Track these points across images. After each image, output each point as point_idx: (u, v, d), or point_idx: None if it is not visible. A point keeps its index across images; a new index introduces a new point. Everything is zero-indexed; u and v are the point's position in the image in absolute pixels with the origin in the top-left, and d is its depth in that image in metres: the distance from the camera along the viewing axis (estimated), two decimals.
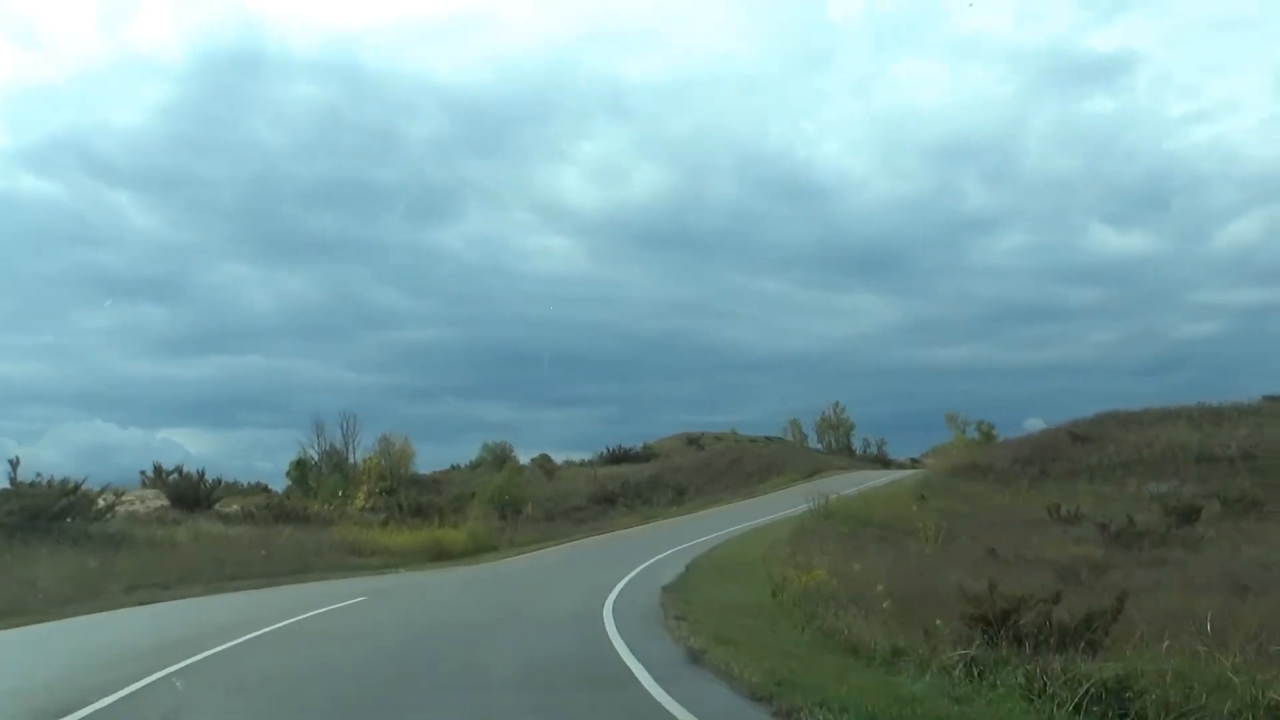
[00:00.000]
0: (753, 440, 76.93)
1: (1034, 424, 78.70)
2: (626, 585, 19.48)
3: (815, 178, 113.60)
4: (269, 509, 38.50)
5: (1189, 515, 37.50)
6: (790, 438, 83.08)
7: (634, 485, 66.40)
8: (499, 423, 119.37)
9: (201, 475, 41.22)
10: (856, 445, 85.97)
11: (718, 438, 76.31)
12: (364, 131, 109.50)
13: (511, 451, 78.33)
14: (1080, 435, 57.38)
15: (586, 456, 76.92)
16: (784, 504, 44.57)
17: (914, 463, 76.55)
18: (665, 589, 18.37)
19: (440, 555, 30.00)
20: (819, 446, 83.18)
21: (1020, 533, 37.60)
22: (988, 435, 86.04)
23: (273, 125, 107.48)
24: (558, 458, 75.36)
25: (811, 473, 62.25)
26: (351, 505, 50.17)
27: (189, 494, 39.22)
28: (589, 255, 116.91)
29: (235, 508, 40.12)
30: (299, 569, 26.42)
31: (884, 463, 75.93)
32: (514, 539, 35.77)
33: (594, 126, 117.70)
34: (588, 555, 30.11)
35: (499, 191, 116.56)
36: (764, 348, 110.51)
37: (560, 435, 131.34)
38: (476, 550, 31.92)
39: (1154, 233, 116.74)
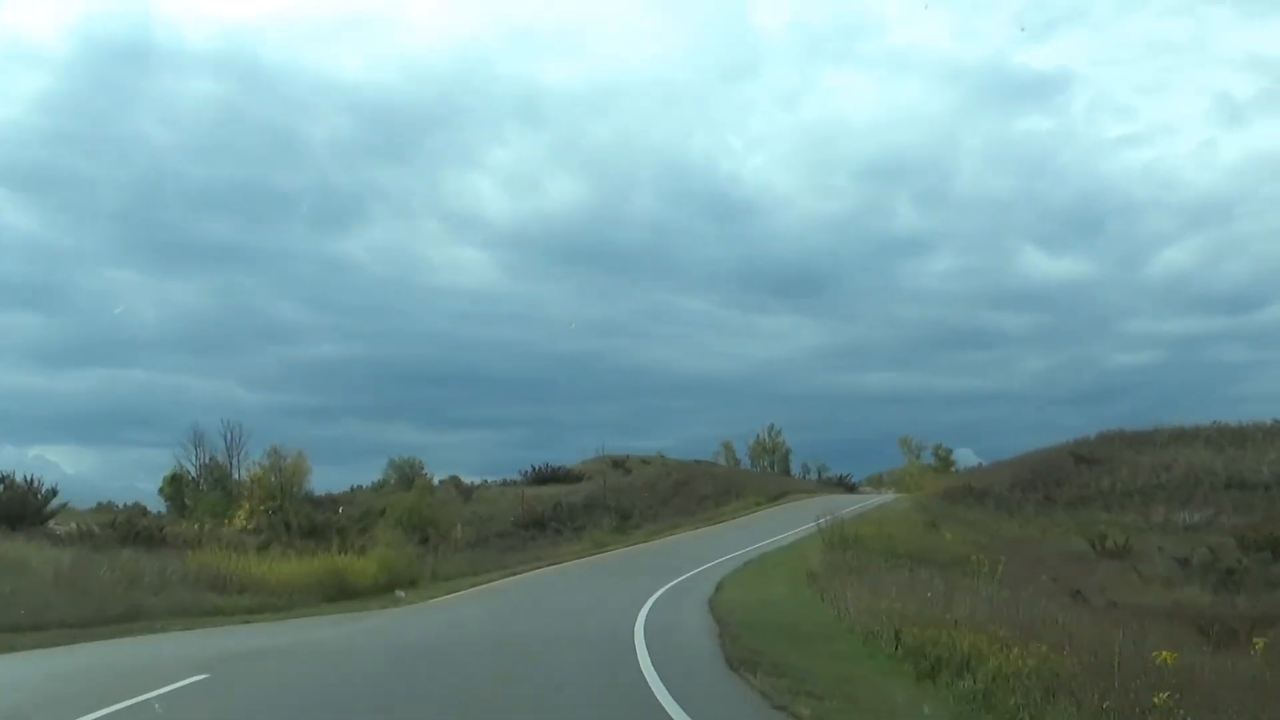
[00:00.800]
0: (683, 463, 68.85)
1: (964, 454, 75.58)
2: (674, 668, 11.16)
3: (740, 193, 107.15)
4: (114, 527, 29.51)
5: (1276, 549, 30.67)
6: (724, 462, 76.27)
7: (567, 508, 58.09)
8: (405, 445, 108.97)
9: (31, 484, 32.20)
10: (795, 470, 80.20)
11: (645, 461, 68.46)
12: (263, 132, 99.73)
13: (422, 469, 69.89)
14: (1085, 456, 50.67)
15: (506, 478, 68.31)
16: (764, 531, 36.99)
17: (875, 488, 69.59)
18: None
19: (342, 592, 21.40)
20: (754, 471, 75.82)
21: (1073, 569, 30.52)
22: (945, 460, 79.92)
23: (164, 122, 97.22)
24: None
25: (776, 496, 54.70)
26: (229, 525, 41.41)
27: (13, 508, 30.42)
28: (502, 269, 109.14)
29: (73, 525, 31.04)
30: (126, 614, 17.70)
31: (848, 487, 68.60)
32: (437, 570, 27.18)
33: (508, 133, 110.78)
34: (561, 597, 21.72)
35: (407, 200, 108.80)
36: (686, 370, 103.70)
37: (471, 459, 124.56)
38: (391, 583, 23.32)
39: (1087, 258, 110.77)
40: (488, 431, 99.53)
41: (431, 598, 21.68)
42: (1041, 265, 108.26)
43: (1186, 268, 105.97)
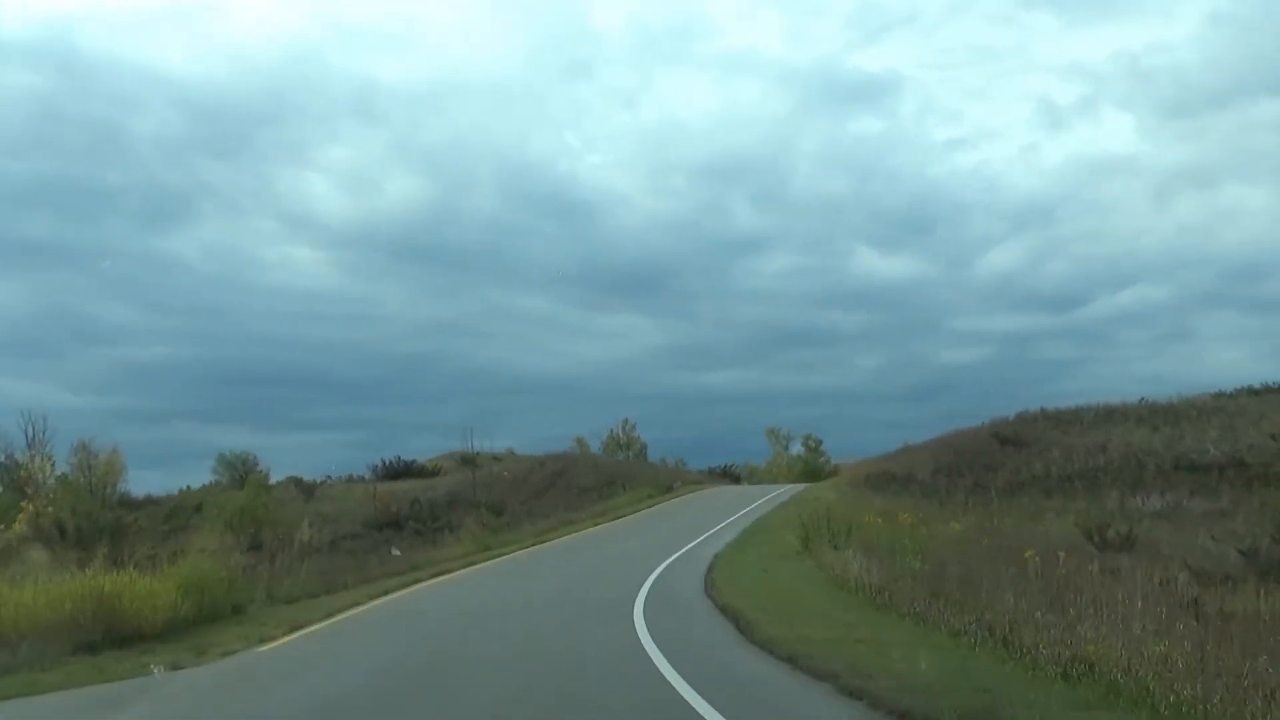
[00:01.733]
0: (557, 455, 61.67)
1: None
2: None
3: (579, 193, 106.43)
4: None
5: None
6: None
7: (427, 505, 50.37)
8: (240, 448, 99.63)
9: None
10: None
11: (496, 457, 61.22)
12: (85, 126, 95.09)
13: (257, 465, 61.26)
14: (1009, 438, 45.78)
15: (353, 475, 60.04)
16: (688, 525, 30.30)
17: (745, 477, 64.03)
18: None
19: (112, 634, 13.36)
20: (637, 461, 69.76)
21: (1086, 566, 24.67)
22: (815, 451, 78.07)
23: None
24: None
25: (668, 487, 48.10)
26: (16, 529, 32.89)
27: None
28: (339, 269, 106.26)
29: None
30: None
31: (733, 478, 62.72)
32: (275, 587, 19.29)
33: (343, 130, 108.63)
34: (494, 644, 13.92)
35: (238, 197, 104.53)
36: (528, 369, 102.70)
37: (311, 462, 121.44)
38: (202, 615, 15.43)
39: (918, 258, 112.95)
40: (328, 434, 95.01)
41: (264, 640, 13.86)
42: (875, 265, 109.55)
43: (1012, 268, 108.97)
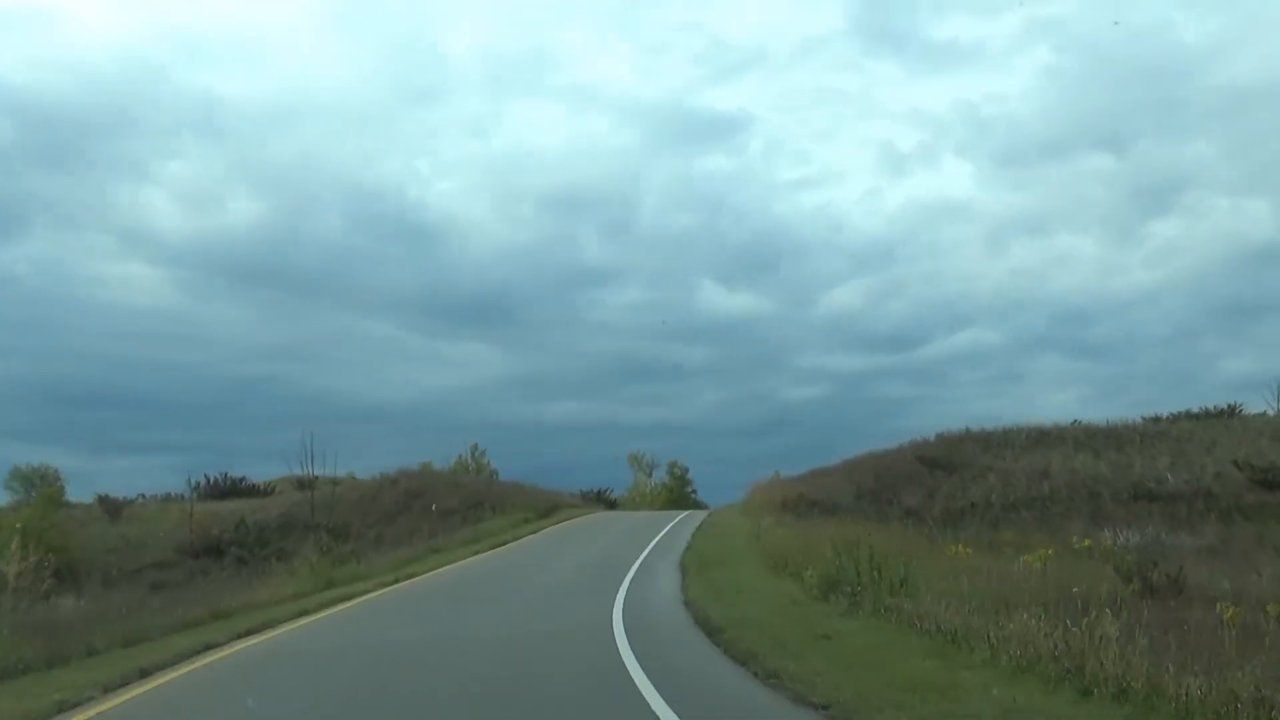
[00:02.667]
0: (413, 471, 53.85)
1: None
2: None
3: (427, 219, 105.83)
4: None
5: None
6: None
7: (255, 528, 42.31)
8: (61, 472, 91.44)
9: None
10: None
11: (334, 481, 53.34)
12: None
13: (58, 479, 52.50)
14: (935, 461, 40.51)
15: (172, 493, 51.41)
16: (595, 558, 23.52)
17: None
18: None
19: None
20: (507, 483, 62.98)
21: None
22: (681, 479, 74.99)
23: None
24: None
25: (547, 511, 41.09)
26: None
27: None
28: (177, 288, 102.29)
29: None
30: None
31: (608, 504, 56.14)
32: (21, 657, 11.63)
33: (183, 145, 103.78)
34: None
35: (73, 211, 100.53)
36: (371, 395, 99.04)
37: (137, 487, 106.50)
38: None
39: (763, 294, 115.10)
40: (159, 457, 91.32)
41: None
42: (720, 300, 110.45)
43: (853, 307, 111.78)
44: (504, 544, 29.88)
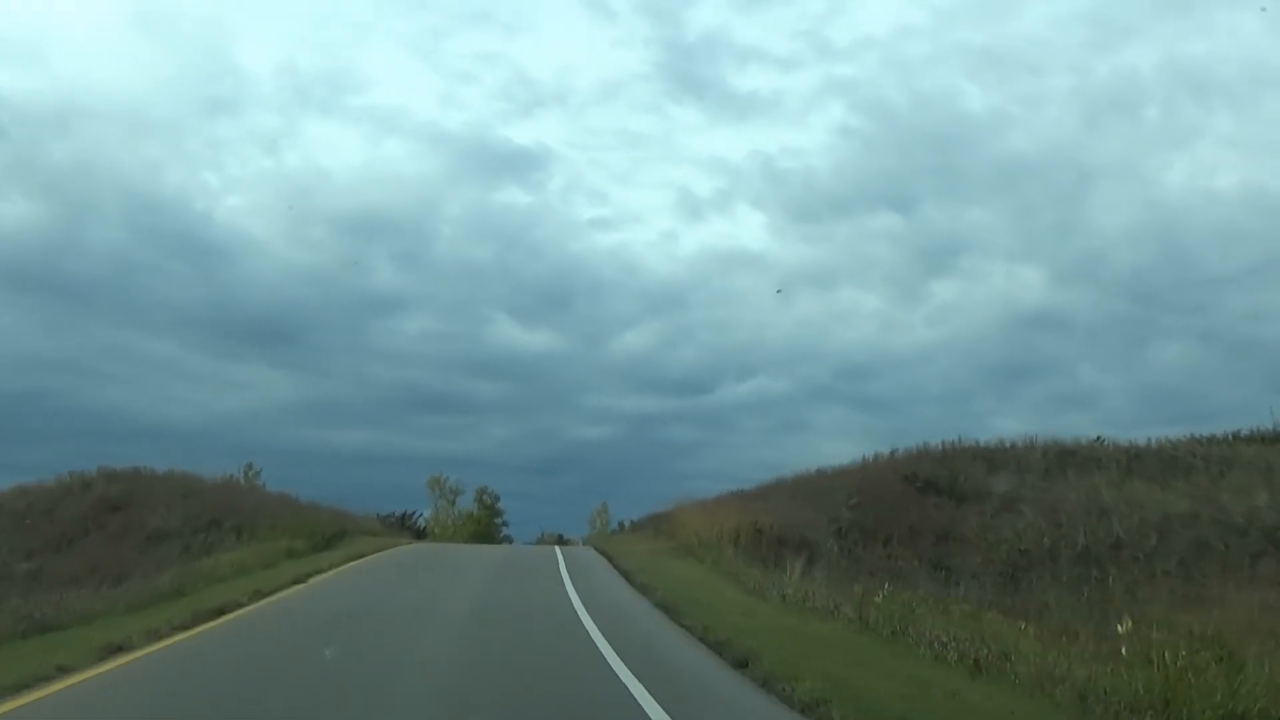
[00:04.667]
0: (113, 472, 36.69)
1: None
2: None
3: (214, 235, 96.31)
4: None
5: None
6: None
7: None
8: None
9: None
10: None
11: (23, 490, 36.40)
12: None
13: None
14: (933, 483, 27.28)
15: None
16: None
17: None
18: None
19: None
20: (260, 489, 48.72)
21: None
22: (490, 508, 65.69)
23: None
24: None
25: (332, 537, 25.53)
26: None
27: None
28: None
29: None
30: None
31: (416, 533, 40.90)
32: None
33: None
34: None
35: None
36: (144, 414, 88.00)
37: None
38: None
39: (556, 332, 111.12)
40: None
41: None
42: (514, 335, 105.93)
43: (644, 350, 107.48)
44: (253, 603, 14.26)
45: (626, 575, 18.39)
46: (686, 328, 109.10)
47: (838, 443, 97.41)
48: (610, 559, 22.28)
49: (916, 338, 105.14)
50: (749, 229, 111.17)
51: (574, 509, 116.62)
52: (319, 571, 18.51)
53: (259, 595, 15.13)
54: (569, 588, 16.70)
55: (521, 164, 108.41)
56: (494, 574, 19.01)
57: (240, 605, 14.13)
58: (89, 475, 31.21)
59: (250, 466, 49.52)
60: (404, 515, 43.91)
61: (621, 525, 42.95)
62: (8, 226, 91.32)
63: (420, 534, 42.31)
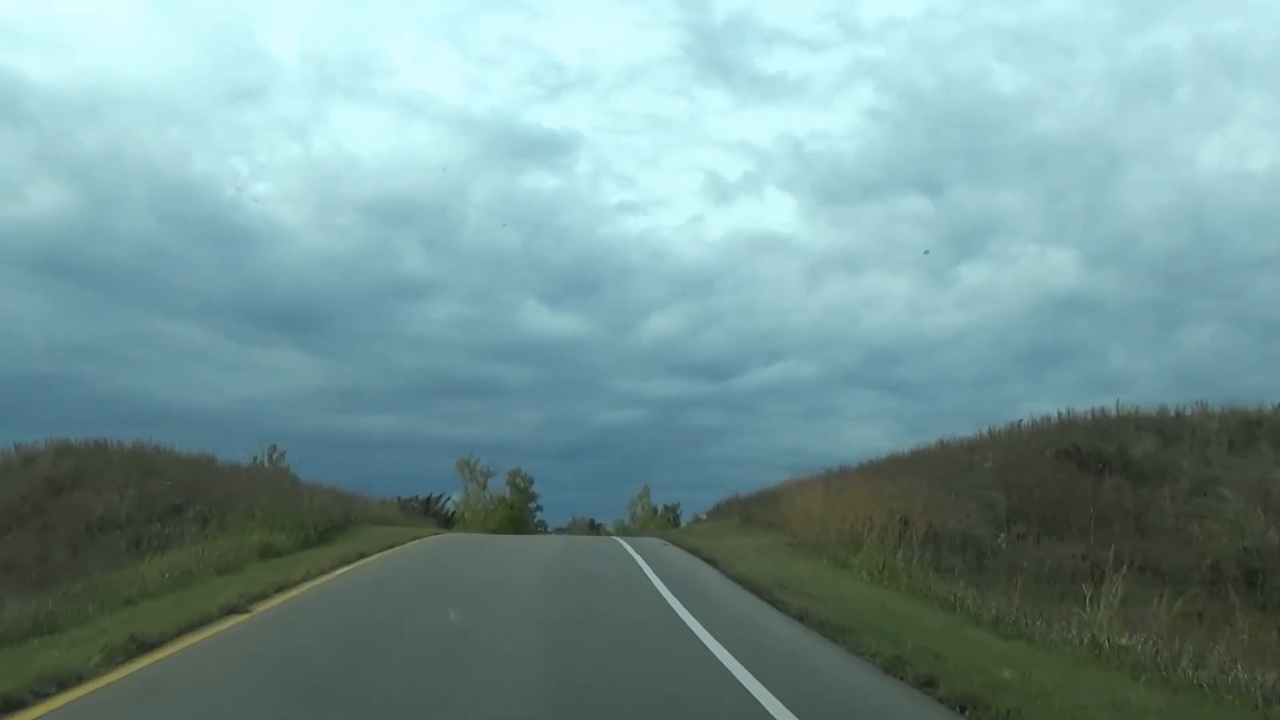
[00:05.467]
0: (32, 453, 31.25)
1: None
2: None
3: (242, 221, 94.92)
4: None
5: None
6: None
7: None
8: None
9: None
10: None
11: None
12: None
13: None
14: (1100, 457, 21.29)
15: None
16: None
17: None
18: None
19: None
20: (245, 466, 44.28)
21: None
22: (524, 491, 60.32)
23: None
24: None
25: (327, 530, 19.68)
26: None
27: None
28: None
29: None
30: None
31: (442, 519, 35.73)
32: None
33: None
34: None
35: None
36: (172, 399, 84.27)
37: None
38: None
39: (584, 317, 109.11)
40: None
41: None
42: (542, 321, 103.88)
43: (672, 334, 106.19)
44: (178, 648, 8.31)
45: (761, 593, 12.27)
46: (714, 311, 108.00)
47: (864, 427, 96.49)
48: (714, 563, 16.22)
49: (946, 321, 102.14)
50: (778, 213, 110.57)
51: (601, 494, 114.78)
52: (282, 589, 12.37)
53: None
54: (693, 626, 10.19)
55: (549, 148, 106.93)
56: (555, 592, 13.05)
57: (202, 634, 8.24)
58: (36, 449, 25.63)
59: (274, 448, 45.15)
60: (429, 500, 38.36)
61: (697, 517, 36.79)
62: (38, 212, 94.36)
63: (448, 521, 36.80)
